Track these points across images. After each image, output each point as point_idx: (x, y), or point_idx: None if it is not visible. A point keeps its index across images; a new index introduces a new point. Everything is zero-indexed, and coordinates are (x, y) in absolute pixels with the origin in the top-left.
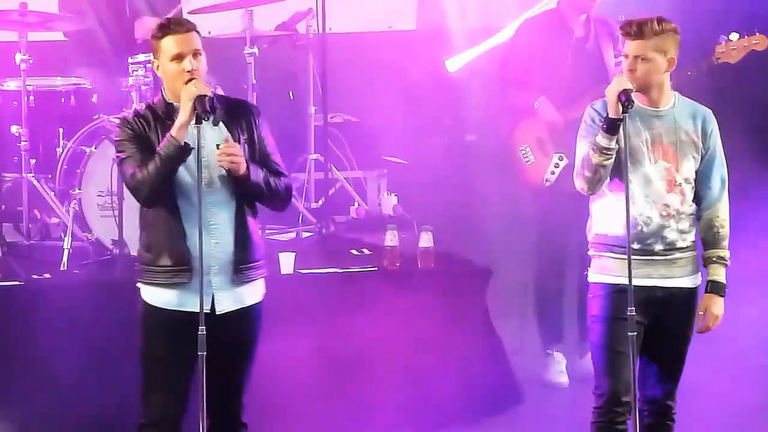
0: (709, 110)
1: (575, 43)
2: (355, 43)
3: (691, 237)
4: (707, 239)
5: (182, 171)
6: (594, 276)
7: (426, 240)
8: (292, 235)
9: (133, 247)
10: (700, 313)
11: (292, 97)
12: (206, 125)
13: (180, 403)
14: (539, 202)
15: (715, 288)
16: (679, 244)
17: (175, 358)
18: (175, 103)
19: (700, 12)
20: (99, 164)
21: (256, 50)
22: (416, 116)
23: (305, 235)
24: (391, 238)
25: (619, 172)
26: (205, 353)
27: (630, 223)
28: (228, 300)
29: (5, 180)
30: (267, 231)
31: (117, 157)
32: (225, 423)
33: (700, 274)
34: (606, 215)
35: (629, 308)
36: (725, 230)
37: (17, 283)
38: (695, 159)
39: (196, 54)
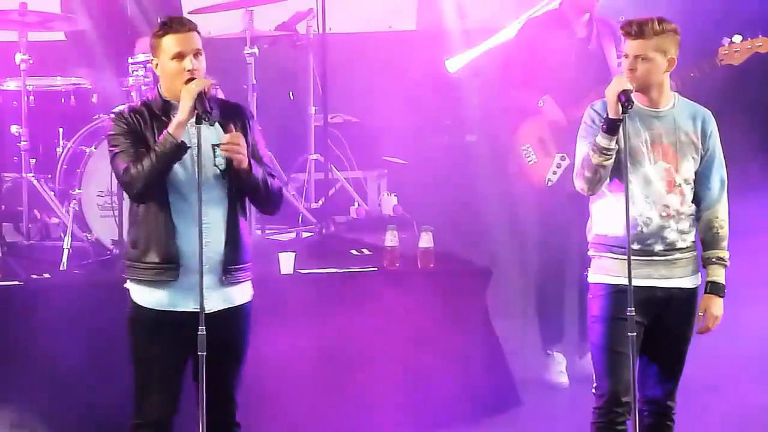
0: (709, 111)
1: (578, 43)
2: (355, 44)
3: (691, 237)
4: (707, 240)
5: (176, 167)
6: (594, 276)
7: (426, 240)
8: (292, 235)
9: None
10: (700, 314)
11: (292, 98)
12: (203, 125)
13: (172, 404)
14: (540, 202)
15: (714, 289)
16: (679, 245)
17: (166, 358)
18: (172, 101)
19: (703, 13)
20: (99, 164)
21: (256, 50)
22: (416, 116)
23: (305, 235)
24: (391, 239)
25: (618, 172)
26: (204, 353)
27: (630, 223)
28: (217, 299)
29: (5, 180)
30: (267, 231)
31: (110, 151)
32: (218, 423)
33: (700, 274)
34: (606, 216)
35: (629, 308)
36: (724, 231)
37: (17, 283)
38: (695, 160)
39: (196, 54)
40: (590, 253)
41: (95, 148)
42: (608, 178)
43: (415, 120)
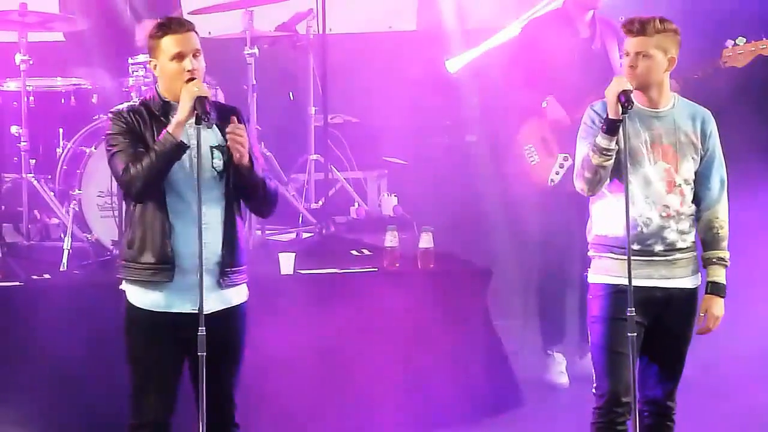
0: (709, 111)
1: (582, 43)
2: (355, 44)
3: (691, 237)
4: (707, 240)
5: (174, 167)
6: (594, 277)
7: (426, 240)
8: (293, 235)
9: None
10: (701, 314)
11: (292, 98)
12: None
13: (170, 404)
14: (541, 202)
15: (715, 289)
16: (679, 245)
17: (163, 359)
18: (171, 102)
19: (706, 15)
20: (99, 165)
21: (256, 51)
22: (416, 117)
23: (305, 235)
24: (391, 239)
25: (618, 173)
26: (204, 354)
27: (630, 223)
28: (215, 300)
29: (5, 180)
30: (267, 231)
31: (108, 150)
32: (217, 423)
33: (700, 274)
34: (606, 216)
35: (629, 309)
36: (725, 231)
37: (17, 283)
38: (695, 160)
39: (196, 54)
40: (590, 253)
41: (95, 149)
42: (608, 179)
43: (415, 120)
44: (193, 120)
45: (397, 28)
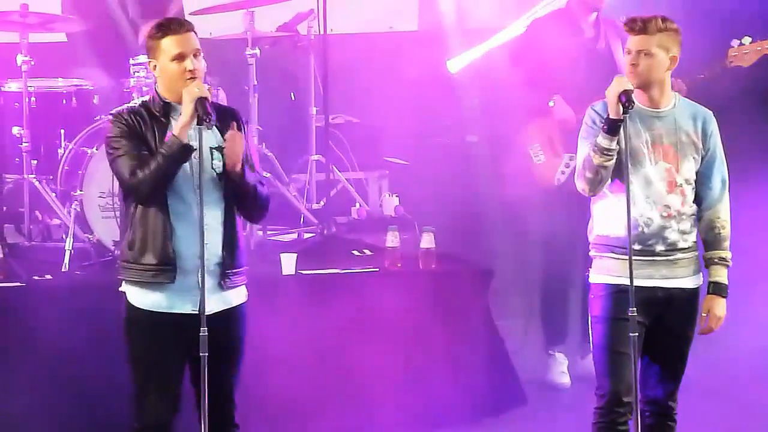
0: (710, 111)
1: (587, 42)
2: (356, 44)
3: (692, 237)
4: (708, 240)
5: None
6: (595, 277)
7: (427, 241)
8: (294, 235)
9: None
10: (703, 314)
11: (293, 98)
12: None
13: (172, 405)
14: (543, 202)
15: (717, 289)
16: (681, 245)
17: (164, 360)
18: (172, 102)
19: (712, 15)
20: (100, 165)
21: (257, 51)
22: (417, 117)
23: (307, 235)
24: (392, 239)
25: (619, 173)
26: (206, 354)
27: (631, 224)
28: (216, 301)
29: (7, 181)
30: (268, 232)
31: (110, 153)
32: (217, 424)
33: (701, 274)
34: (607, 216)
35: (630, 309)
36: (726, 231)
37: (18, 284)
38: (695, 160)
39: (196, 54)
40: (591, 253)
41: (96, 150)
42: (609, 179)
43: (416, 120)
44: (194, 121)
45: (398, 29)
